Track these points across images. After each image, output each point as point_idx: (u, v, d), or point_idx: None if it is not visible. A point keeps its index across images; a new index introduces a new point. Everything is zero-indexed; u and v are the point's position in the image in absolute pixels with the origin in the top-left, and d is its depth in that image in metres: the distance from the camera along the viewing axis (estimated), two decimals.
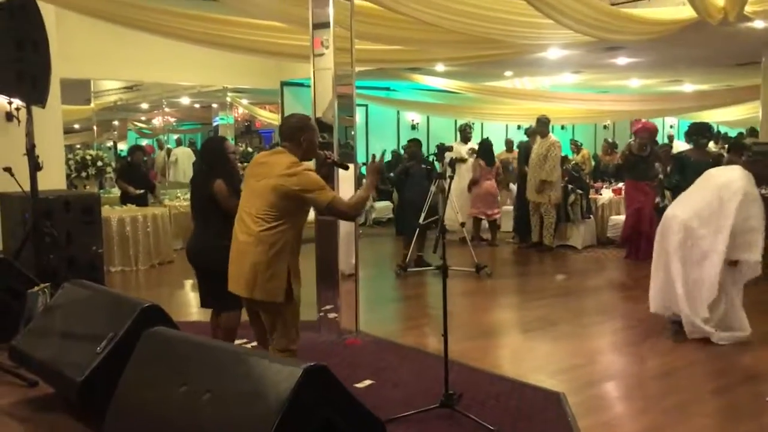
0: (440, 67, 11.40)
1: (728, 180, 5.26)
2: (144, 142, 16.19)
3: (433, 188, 8.03)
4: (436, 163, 9.25)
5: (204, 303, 4.46)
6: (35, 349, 3.35)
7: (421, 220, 7.98)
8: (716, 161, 6.86)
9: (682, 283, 5.21)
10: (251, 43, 7.52)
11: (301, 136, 3.70)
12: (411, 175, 8.62)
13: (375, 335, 5.54)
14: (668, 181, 7.62)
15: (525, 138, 11.14)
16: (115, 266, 8.23)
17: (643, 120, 11.04)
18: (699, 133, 7.44)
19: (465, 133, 10.83)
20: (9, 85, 5.43)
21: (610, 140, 14.04)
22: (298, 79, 11.63)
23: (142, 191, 9.25)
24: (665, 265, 5.36)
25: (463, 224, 8.69)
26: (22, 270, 4.45)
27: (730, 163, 6.40)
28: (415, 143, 8.97)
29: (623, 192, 9.71)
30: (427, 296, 7.25)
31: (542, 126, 9.59)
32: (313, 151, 3.84)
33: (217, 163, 4.43)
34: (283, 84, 12.32)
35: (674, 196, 7.46)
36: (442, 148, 8.77)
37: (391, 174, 10.68)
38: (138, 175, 9.53)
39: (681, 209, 5.37)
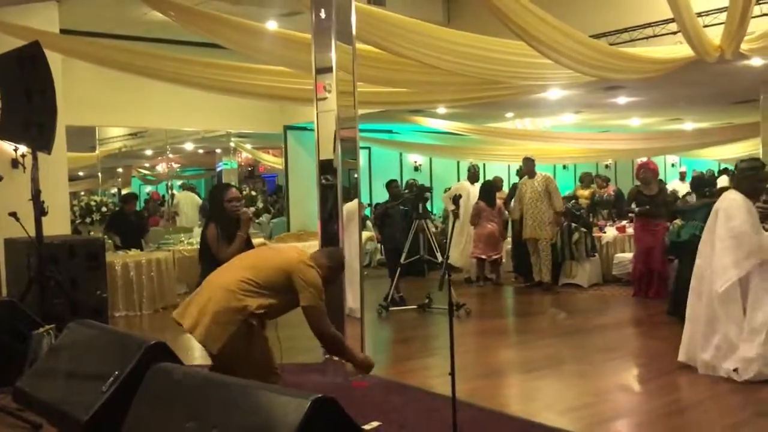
0: (442, 109, 11.54)
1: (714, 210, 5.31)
2: (148, 189, 16.29)
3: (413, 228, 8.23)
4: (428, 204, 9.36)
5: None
6: (39, 391, 3.31)
7: (402, 260, 8.12)
8: (699, 206, 7.06)
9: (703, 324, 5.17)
10: (255, 88, 7.63)
11: (332, 271, 4.02)
12: (390, 216, 8.72)
13: (381, 376, 5.48)
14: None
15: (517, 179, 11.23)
16: (119, 311, 8.20)
17: (645, 159, 11.10)
18: (700, 185, 7.69)
19: (472, 174, 10.92)
20: (16, 133, 5.50)
21: (602, 175, 14.09)
22: (301, 123, 11.76)
23: (124, 249, 9.04)
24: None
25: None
26: (27, 312, 4.44)
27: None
28: (393, 183, 9.09)
29: (633, 230, 9.70)
30: (432, 336, 7.19)
31: (528, 166, 9.72)
32: (328, 281, 4.03)
33: (212, 210, 4.49)
34: (287, 128, 12.45)
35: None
36: (422, 189, 8.86)
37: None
38: (127, 224, 9.49)
39: (699, 256, 5.39)
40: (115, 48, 7.07)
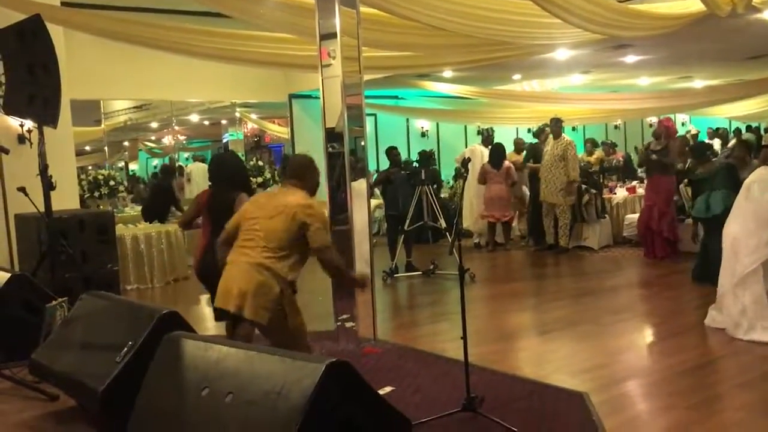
0: (448, 73, 11.40)
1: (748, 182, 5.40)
2: (155, 161, 16.28)
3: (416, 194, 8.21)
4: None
5: (219, 316, 4.45)
6: (55, 362, 3.35)
7: (405, 226, 8.11)
8: (727, 166, 6.94)
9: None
10: (259, 56, 7.55)
11: (309, 174, 4.03)
12: (392, 182, 8.68)
13: (393, 342, 5.50)
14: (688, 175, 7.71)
15: (534, 140, 11.11)
16: (131, 284, 8.25)
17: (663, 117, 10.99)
18: (702, 151, 7.68)
19: (487, 137, 10.83)
20: (21, 108, 5.47)
21: (608, 141, 13.96)
22: (306, 91, 11.66)
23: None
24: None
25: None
26: (40, 286, 4.47)
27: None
28: (393, 150, 9.01)
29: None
30: (443, 302, 7.20)
31: (556, 126, 9.57)
32: (315, 189, 4.10)
33: (237, 177, 4.46)
34: (292, 96, 12.35)
35: (694, 191, 7.49)
36: (425, 155, 8.80)
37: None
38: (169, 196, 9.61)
39: (730, 223, 5.42)
40: (117, 19, 6.97)
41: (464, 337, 3.90)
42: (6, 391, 3.72)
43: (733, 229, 5.35)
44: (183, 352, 2.50)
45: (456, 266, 4.09)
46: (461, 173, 8.10)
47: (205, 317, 6.90)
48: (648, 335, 5.73)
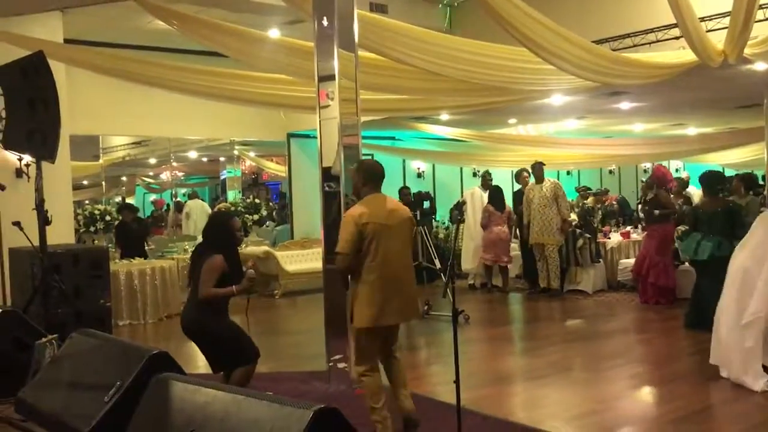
0: (444, 116, 11.52)
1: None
2: (152, 197, 16.29)
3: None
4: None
5: (214, 369, 4.46)
6: (41, 401, 3.31)
7: None
8: (729, 210, 6.87)
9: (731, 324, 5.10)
10: (257, 96, 7.64)
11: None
12: None
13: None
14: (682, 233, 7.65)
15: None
16: (123, 320, 8.20)
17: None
18: (713, 182, 7.28)
19: (485, 180, 10.89)
20: (20, 143, 5.53)
21: (601, 189, 14.03)
22: (304, 131, 11.76)
23: (128, 258, 9.18)
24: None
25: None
26: (30, 322, 4.44)
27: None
28: (404, 189, 9.06)
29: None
30: (437, 344, 7.17)
31: (539, 170, 9.78)
32: None
33: (216, 238, 4.46)
34: (290, 135, 12.45)
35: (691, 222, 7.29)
36: (420, 196, 8.81)
37: None
38: (129, 233, 9.65)
39: (739, 254, 5.31)
40: (118, 57, 7.08)
41: (457, 381, 3.88)
42: None
43: (745, 261, 5.17)
44: (171, 394, 2.48)
45: (450, 307, 4.09)
46: (457, 217, 8.11)
47: (197, 356, 6.84)
48: (641, 382, 5.70)
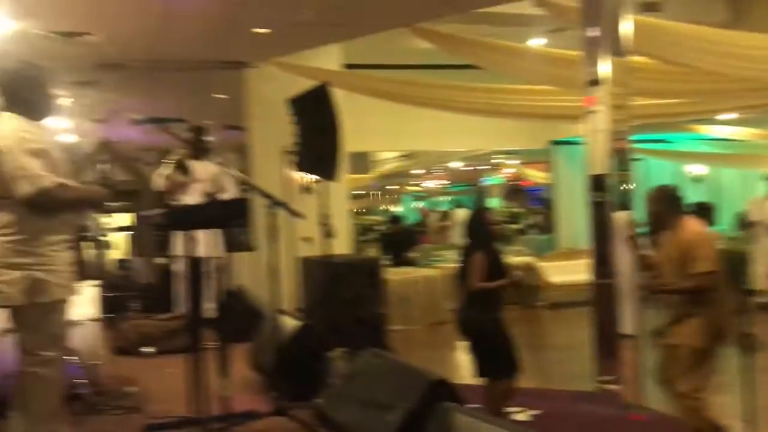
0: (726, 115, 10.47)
1: None
2: (418, 205, 17.07)
3: None
4: None
5: (480, 372, 4.52)
6: (335, 412, 3.65)
7: None
8: None
9: None
10: (520, 108, 7.66)
11: None
12: None
13: (661, 411, 5.08)
14: None
15: None
16: (396, 325, 8.68)
17: None
18: None
19: None
20: (310, 166, 6.17)
21: None
22: (568, 138, 11.47)
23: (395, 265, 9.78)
24: None
25: None
26: (321, 334, 4.91)
27: None
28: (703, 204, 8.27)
29: None
30: (724, 370, 6.49)
31: None
32: None
33: (477, 233, 4.52)
34: (553, 143, 12.23)
35: None
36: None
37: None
38: (396, 241, 10.27)
39: None
40: (391, 81, 7.55)
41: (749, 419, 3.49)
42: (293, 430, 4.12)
43: None
44: (453, 426, 2.57)
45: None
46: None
47: (463, 364, 7.01)
48: None
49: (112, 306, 6.39)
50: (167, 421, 4.30)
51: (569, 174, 11.91)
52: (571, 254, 11.13)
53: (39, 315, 3.35)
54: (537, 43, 7.72)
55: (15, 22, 6.77)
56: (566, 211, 11.97)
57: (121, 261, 10.03)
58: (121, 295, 7.57)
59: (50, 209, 3.32)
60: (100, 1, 6.19)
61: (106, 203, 4.22)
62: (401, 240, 10.64)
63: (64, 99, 8.58)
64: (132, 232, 9.69)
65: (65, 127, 10.94)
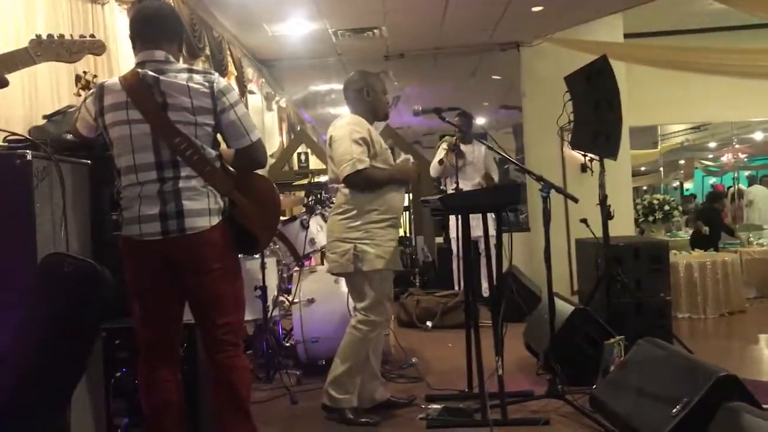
0: None
1: None
2: (711, 180, 15.68)
3: None
4: None
5: None
6: (611, 401, 3.54)
7: None
8: None
9: None
10: None
11: None
12: None
13: None
14: None
15: None
16: (682, 313, 8.07)
17: None
18: None
19: None
20: (586, 144, 5.96)
21: None
22: None
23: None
24: None
25: None
26: (598, 320, 4.77)
27: None
28: None
29: None
30: None
31: None
32: None
33: None
34: None
35: None
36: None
37: None
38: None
39: None
40: (675, 49, 7.00)
41: None
42: (568, 414, 4.09)
43: None
44: (741, 428, 2.33)
45: None
46: None
47: (763, 359, 6.30)
48: None
49: (396, 281, 6.91)
50: (446, 394, 4.57)
51: None
52: None
53: (362, 282, 4.00)
54: None
55: (313, 23, 7.58)
56: None
57: (403, 239, 10.68)
58: (404, 271, 8.08)
59: (366, 188, 3.94)
60: None
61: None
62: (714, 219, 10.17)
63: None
64: (411, 214, 10.22)
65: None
